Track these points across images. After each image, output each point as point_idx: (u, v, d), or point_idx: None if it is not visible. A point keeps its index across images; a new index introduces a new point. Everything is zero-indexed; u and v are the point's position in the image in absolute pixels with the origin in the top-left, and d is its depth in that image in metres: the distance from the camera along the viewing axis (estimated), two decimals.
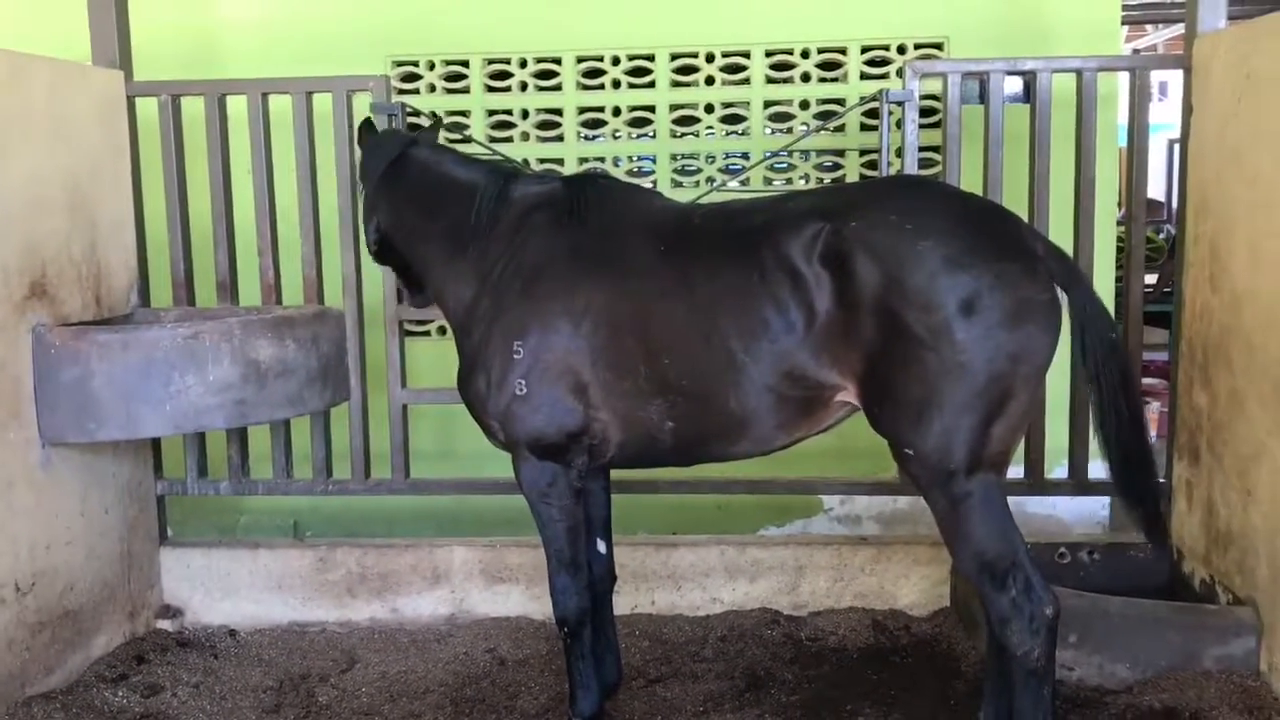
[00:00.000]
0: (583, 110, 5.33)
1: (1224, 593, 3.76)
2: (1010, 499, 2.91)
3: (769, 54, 5.23)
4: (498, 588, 4.42)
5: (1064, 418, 4.24)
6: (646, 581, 4.39)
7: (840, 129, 5.23)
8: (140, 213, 4.39)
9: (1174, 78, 4.28)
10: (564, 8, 5.28)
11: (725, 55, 5.25)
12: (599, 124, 5.37)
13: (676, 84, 5.29)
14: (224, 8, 5.40)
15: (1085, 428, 3.97)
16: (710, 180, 5.32)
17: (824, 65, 5.25)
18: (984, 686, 3.17)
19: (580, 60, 5.29)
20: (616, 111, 5.32)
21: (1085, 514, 5.12)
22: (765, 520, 5.37)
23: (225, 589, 4.46)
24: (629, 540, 4.38)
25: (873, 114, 4.93)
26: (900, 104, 4.14)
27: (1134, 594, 3.84)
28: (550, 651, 4.01)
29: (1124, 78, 4.28)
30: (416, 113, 4.50)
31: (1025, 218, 4.02)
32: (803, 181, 5.37)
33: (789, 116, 5.30)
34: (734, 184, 5.20)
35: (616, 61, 5.28)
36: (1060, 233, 3.98)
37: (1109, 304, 4.79)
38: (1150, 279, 8.17)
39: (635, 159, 5.54)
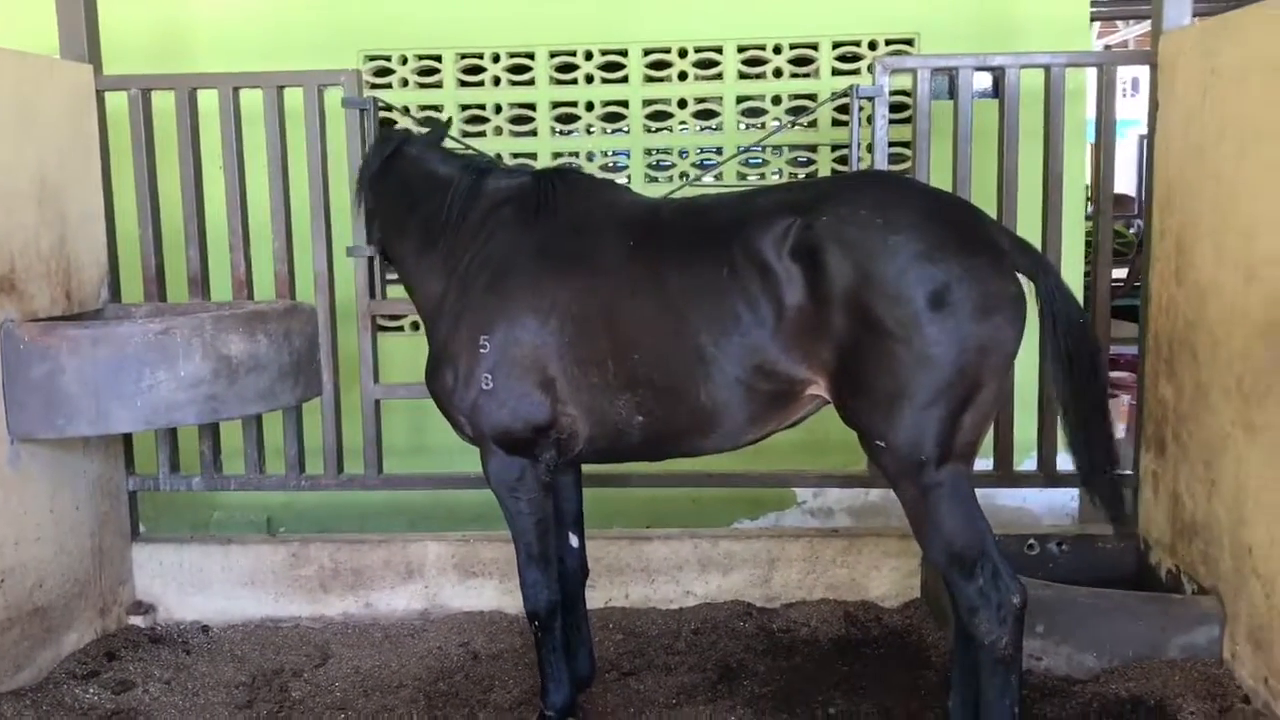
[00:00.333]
0: (556, 105, 5.34)
1: (1189, 582, 3.81)
2: (980, 491, 2.94)
3: (741, 49, 5.26)
4: (471, 582, 4.43)
5: (1033, 411, 4.29)
6: (620, 575, 4.40)
7: (812, 124, 5.26)
8: (111, 208, 4.36)
9: (1144, 74, 4.31)
10: (537, 3, 5.28)
11: (698, 50, 5.27)
12: (572, 119, 5.38)
13: (650, 79, 5.30)
14: (195, 2, 5.37)
15: (1054, 421, 4.01)
16: (684, 175, 5.34)
17: (796, 61, 5.28)
18: (952, 675, 3.20)
19: (553, 55, 5.30)
20: (590, 106, 5.33)
21: (1054, 506, 5.17)
22: (739, 513, 5.39)
23: (198, 585, 4.44)
24: (603, 534, 4.39)
25: (844, 109, 4.96)
26: (870, 99, 4.17)
27: (1102, 585, 3.89)
28: (524, 645, 4.02)
29: (1093, 73, 4.32)
30: (389, 107, 4.49)
31: (995, 213, 4.08)
32: (776, 177, 5.39)
33: (762, 112, 5.33)
34: (709, 179, 5.22)
35: (590, 56, 5.29)
36: (1029, 227, 4.03)
37: (1077, 297, 4.83)
38: (1120, 273, 8.28)
39: (609, 154, 5.55)
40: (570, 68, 5.31)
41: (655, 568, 4.40)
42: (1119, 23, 12.99)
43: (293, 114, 4.34)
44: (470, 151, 3.76)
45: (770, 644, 4.04)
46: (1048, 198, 4.20)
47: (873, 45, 5.23)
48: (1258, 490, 3.31)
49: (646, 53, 5.28)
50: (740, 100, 5.28)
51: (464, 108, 5.34)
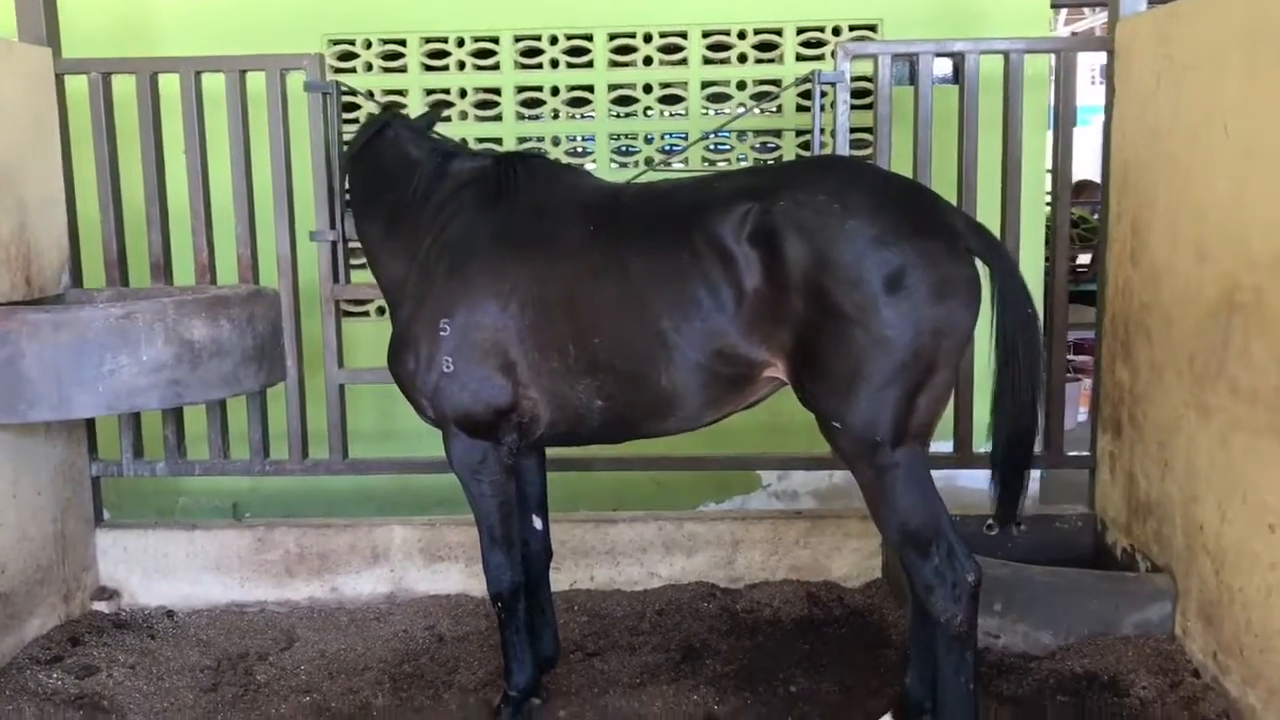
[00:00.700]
0: (521, 90, 5.34)
1: (1143, 561, 3.89)
2: (941, 473, 2.99)
3: (706, 34, 5.27)
4: (437, 566, 4.45)
5: None
6: (586, 558, 4.43)
7: (777, 110, 5.29)
8: (71, 192, 4.33)
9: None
10: None
11: (663, 35, 5.28)
12: (537, 104, 5.38)
13: (615, 64, 5.31)
14: None
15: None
16: (649, 160, 5.36)
17: (760, 46, 5.30)
18: (910, 652, 3.25)
19: (518, 40, 5.30)
20: (555, 91, 5.33)
21: None
22: (705, 497, 5.44)
23: (162, 570, 4.44)
24: (569, 517, 4.42)
25: (808, 95, 4.98)
26: (832, 85, 4.20)
27: (1060, 564, 3.96)
28: (489, 628, 4.05)
29: (1055, 61, 4.36)
30: (352, 92, 4.48)
31: (955, 198, 4.12)
32: (742, 162, 5.42)
33: (726, 97, 5.35)
34: (677, 164, 5.24)
35: (555, 41, 5.29)
36: (989, 212, 4.07)
37: (1037, 283, 4.90)
38: (1085, 259, 8.36)
39: (575, 139, 5.56)
40: (535, 52, 5.31)
41: (620, 550, 4.44)
42: (1086, 10, 13.09)
43: (255, 98, 4.32)
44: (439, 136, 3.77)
45: (733, 624, 4.09)
46: (1006, 183, 4.24)
47: (836, 31, 5.26)
48: (1208, 470, 3.38)
49: (611, 37, 5.28)
50: (705, 85, 5.30)
51: (428, 92, 5.33)
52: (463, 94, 5.33)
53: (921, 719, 3.18)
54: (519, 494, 3.43)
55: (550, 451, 3.62)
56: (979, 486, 5.09)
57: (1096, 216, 9.91)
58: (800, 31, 5.27)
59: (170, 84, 4.33)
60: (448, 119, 5.22)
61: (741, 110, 5.20)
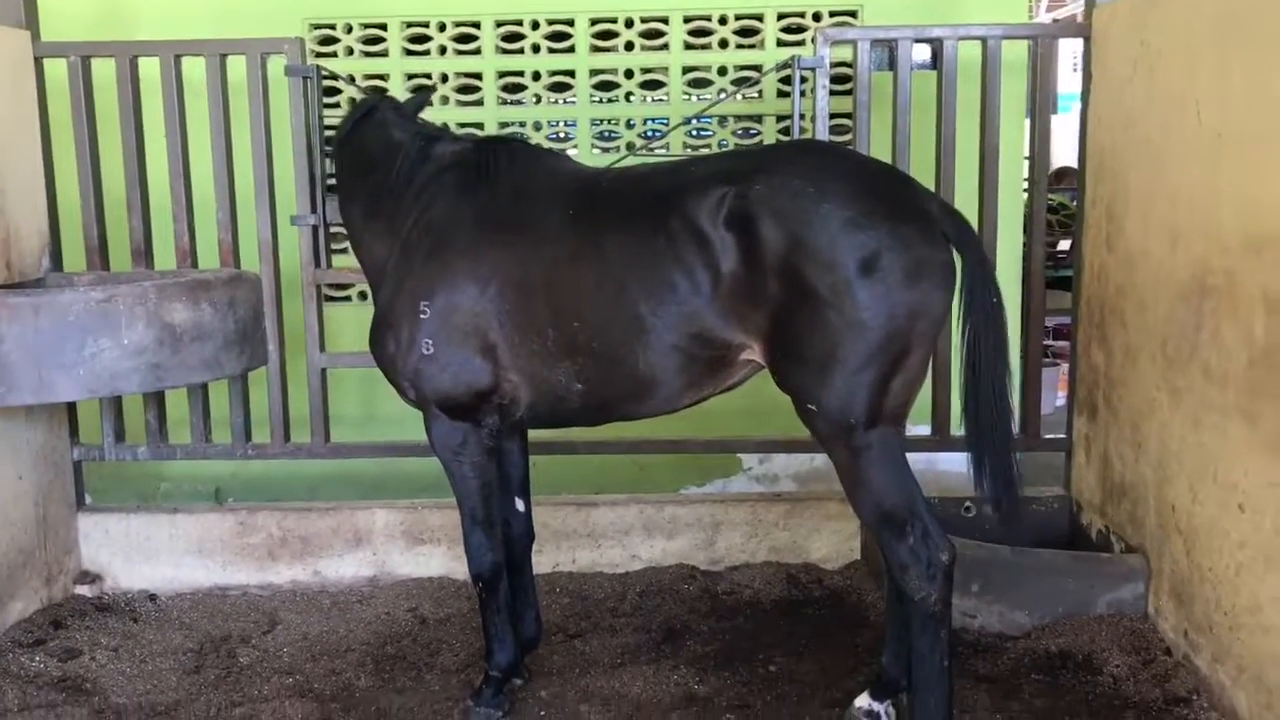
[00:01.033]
0: (502, 74, 5.34)
1: (1118, 542, 3.94)
2: (919, 455, 3.01)
3: (687, 20, 5.28)
4: (419, 549, 4.47)
5: None
6: (568, 540, 4.46)
7: (758, 95, 5.30)
8: (51, 176, 4.33)
9: None
10: None
11: (644, 20, 5.29)
12: (519, 88, 5.39)
13: (596, 49, 5.32)
14: None
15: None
16: (630, 145, 5.37)
17: (741, 32, 5.31)
18: (886, 631, 3.29)
19: (499, 24, 5.30)
20: (536, 76, 5.34)
21: None
22: (687, 480, 5.47)
23: (145, 554, 4.45)
24: (551, 500, 4.45)
25: (789, 80, 5.00)
26: (812, 71, 4.22)
27: (1036, 546, 4.01)
28: (471, 610, 4.08)
29: (1033, 47, 4.38)
30: (333, 76, 4.48)
31: (932, 183, 4.15)
32: (722, 147, 5.43)
33: (707, 82, 5.36)
34: (659, 149, 5.25)
35: (536, 26, 5.29)
36: (967, 198, 4.11)
37: (1015, 268, 4.94)
38: (1066, 245, 8.40)
39: (557, 124, 5.56)
40: (517, 37, 5.32)
41: (601, 533, 4.47)
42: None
43: (236, 83, 4.32)
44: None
45: (714, 605, 4.13)
46: (984, 169, 4.27)
47: (817, 17, 5.28)
48: (1180, 451, 3.42)
49: (593, 22, 5.29)
50: (686, 70, 5.31)
51: (409, 77, 5.33)
52: (444, 79, 5.33)
53: (898, 697, 3.22)
54: (501, 476, 3.45)
55: (533, 435, 3.64)
56: (958, 469, 5.19)
57: (1076, 203, 10.02)
58: (781, 17, 5.29)
59: (150, 68, 4.33)
60: (430, 104, 5.21)
61: (722, 95, 5.22)
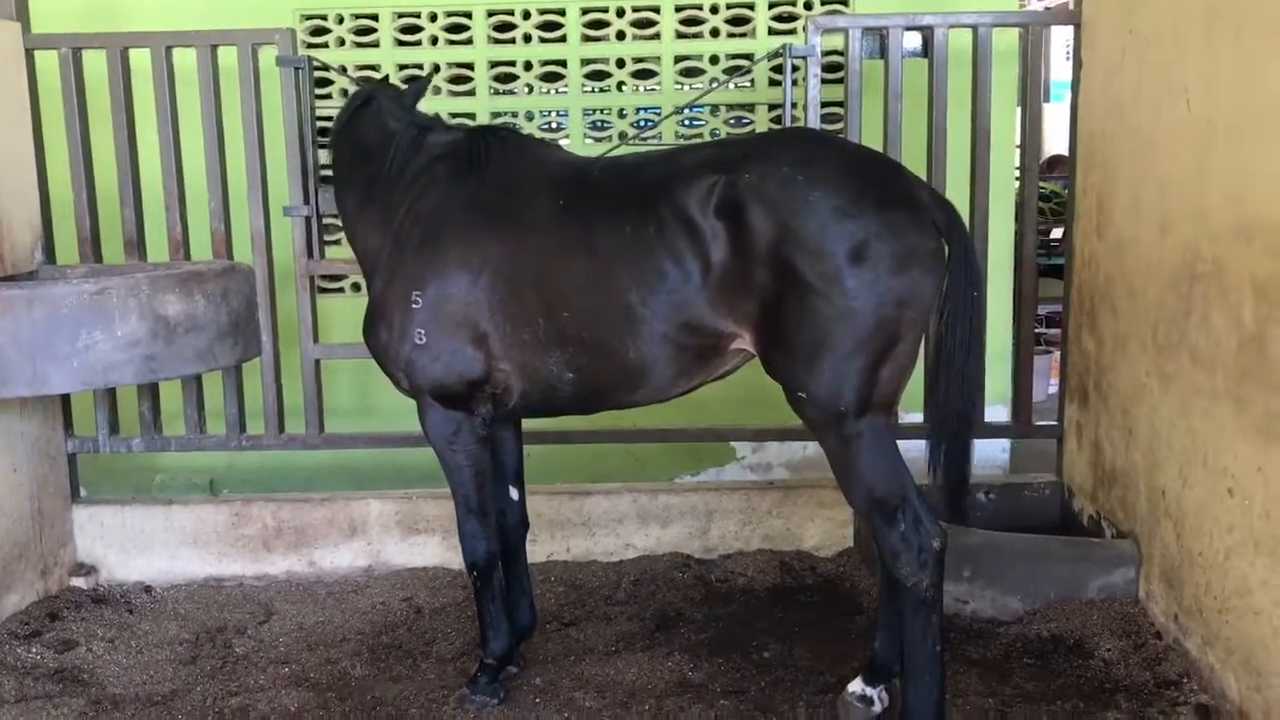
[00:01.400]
0: (494, 65, 5.33)
1: (1109, 527, 3.96)
2: (913, 442, 3.02)
3: (679, 9, 5.27)
4: (414, 539, 4.48)
5: None
6: (562, 529, 4.48)
7: (749, 84, 5.31)
8: (43, 169, 4.32)
9: None
10: None
11: (636, 10, 5.28)
12: (510, 79, 5.39)
13: (588, 38, 5.31)
14: None
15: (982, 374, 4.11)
16: (622, 135, 5.37)
17: (732, 21, 5.31)
18: (878, 617, 3.31)
19: (491, 14, 5.29)
20: (528, 66, 5.33)
21: (986, 457, 5.29)
22: (680, 468, 5.48)
23: (140, 545, 4.46)
24: (546, 489, 4.46)
25: (780, 69, 5.01)
26: (804, 59, 4.22)
27: (1028, 531, 4.03)
28: (466, 599, 4.09)
29: (1024, 34, 4.39)
30: (325, 67, 4.48)
31: (924, 171, 4.16)
32: (714, 136, 5.43)
33: (699, 71, 5.36)
34: (651, 139, 5.25)
35: (527, 15, 5.29)
36: (958, 186, 4.12)
37: (1006, 256, 4.95)
38: (1058, 233, 8.41)
39: (549, 114, 5.56)
40: (508, 27, 5.31)
41: (595, 521, 4.49)
42: None
43: (227, 74, 4.32)
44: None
45: (708, 593, 4.15)
46: (975, 157, 4.28)
47: (808, 5, 5.28)
48: (1169, 437, 3.44)
49: (584, 12, 5.28)
50: (678, 60, 5.31)
51: (401, 67, 5.32)
52: (436, 69, 5.33)
53: (891, 682, 3.24)
54: (496, 465, 3.46)
55: (527, 424, 3.66)
56: None
57: (1067, 191, 10.03)
58: (772, 6, 5.28)
59: (141, 59, 4.32)
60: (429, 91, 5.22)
61: (714, 84, 5.22)
